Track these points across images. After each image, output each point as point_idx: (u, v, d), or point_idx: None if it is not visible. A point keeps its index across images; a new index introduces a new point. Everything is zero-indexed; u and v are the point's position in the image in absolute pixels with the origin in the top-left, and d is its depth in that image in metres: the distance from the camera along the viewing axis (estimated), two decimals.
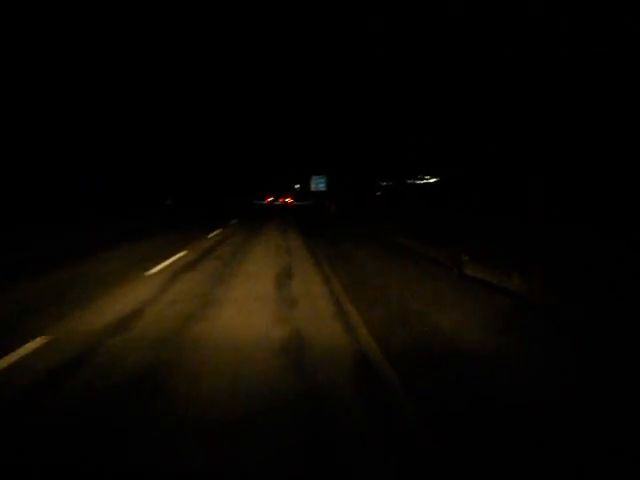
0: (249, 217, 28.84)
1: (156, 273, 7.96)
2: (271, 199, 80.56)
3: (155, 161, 40.07)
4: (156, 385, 3.38)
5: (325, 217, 29.38)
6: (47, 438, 2.64)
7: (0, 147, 21.53)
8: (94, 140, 29.28)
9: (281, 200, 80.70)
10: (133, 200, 31.36)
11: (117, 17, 32.10)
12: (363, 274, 8.32)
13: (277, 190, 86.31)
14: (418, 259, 10.41)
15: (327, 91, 50.01)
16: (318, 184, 67.36)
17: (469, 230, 9.50)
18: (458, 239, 8.89)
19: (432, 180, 40.22)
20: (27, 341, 4.21)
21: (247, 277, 7.87)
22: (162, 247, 11.40)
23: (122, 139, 34.14)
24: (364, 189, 55.11)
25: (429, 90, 23.47)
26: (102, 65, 30.19)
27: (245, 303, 5.96)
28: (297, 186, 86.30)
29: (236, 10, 58.49)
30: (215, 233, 15.82)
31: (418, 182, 43.79)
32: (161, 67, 40.03)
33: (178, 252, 10.47)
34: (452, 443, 2.70)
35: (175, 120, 46.16)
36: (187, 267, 8.69)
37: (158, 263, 8.85)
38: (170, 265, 8.85)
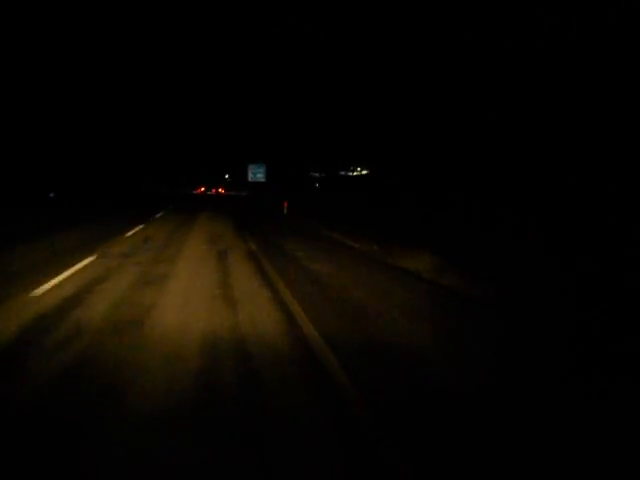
0: (170, 217, 19.73)
1: None
2: (203, 189, 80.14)
3: (40, 141, 29.53)
4: None
5: (275, 217, 21.09)
6: None
7: None
8: None
9: (213, 190, 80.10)
10: None
11: None
12: None
13: (209, 180, 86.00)
14: None
15: (258, 82, 45.63)
16: (256, 174, 58.87)
17: None
18: None
19: (364, 172, 42.37)
20: None
21: None
22: None
23: None
24: (303, 181, 50.27)
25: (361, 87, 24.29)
26: None
27: None
28: (227, 176, 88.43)
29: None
30: (70, 272, 7.09)
31: (350, 174, 45.97)
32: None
33: None
34: None
35: (83, 99, 35.62)
36: None
37: None
38: None
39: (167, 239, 12.35)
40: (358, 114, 27.04)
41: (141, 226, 15.40)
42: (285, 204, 22.97)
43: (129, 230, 14.04)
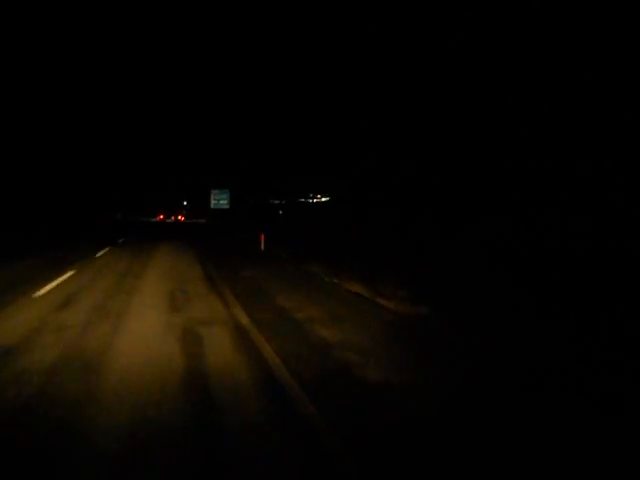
0: (117, 254, 14.92)
1: None
2: (162, 217, 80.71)
3: None
4: None
5: (253, 256, 17.05)
6: None
7: None
8: None
9: (173, 218, 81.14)
10: None
11: None
12: None
13: (168, 207, 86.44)
14: None
15: (218, 109, 46.20)
16: (219, 200, 55.14)
17: None
18: None
19: (324, 199, 42.16)
20: None
21: None
22: None
23: None
24: (267, 208, 48.92)
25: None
26: None
27: None
28: (185, 203, 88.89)
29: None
30: None
31: (311, 200, 45.54)
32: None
33: None
34: None
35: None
36: None
37: None
38: None
39: (104, 298, 8.07)
40: (319, 142, 27.46)
41: (70, 273, 10.95)
42: (262, 237, 18.94)
43: (50, 280, 9.61)
